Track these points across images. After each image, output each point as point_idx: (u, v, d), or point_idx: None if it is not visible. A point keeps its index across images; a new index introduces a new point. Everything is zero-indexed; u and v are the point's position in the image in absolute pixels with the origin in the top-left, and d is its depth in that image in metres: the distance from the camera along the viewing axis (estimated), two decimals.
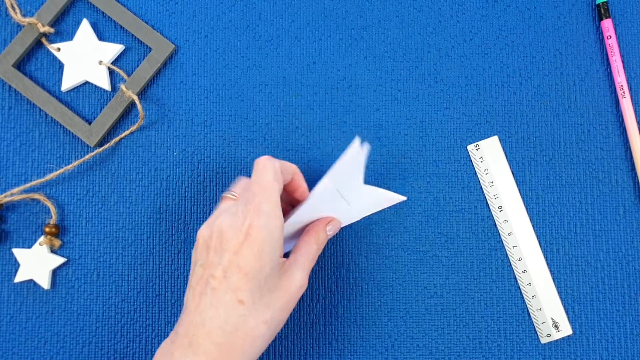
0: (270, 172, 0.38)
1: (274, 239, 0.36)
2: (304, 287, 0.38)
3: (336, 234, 0.47)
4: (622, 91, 0.48)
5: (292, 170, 0.41)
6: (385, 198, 0.46)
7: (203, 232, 0.38)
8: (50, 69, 0.49)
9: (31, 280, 0.47)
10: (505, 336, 0.47)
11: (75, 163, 0.47)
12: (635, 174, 0.48)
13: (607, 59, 0.49)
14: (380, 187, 0.46)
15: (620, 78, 0.48)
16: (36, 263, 0.47)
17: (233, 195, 0.40)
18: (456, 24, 0.49)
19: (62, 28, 0.49)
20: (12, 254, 0.47)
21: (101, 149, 0.47)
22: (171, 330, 0.47)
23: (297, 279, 0.38)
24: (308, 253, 0.40)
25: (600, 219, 0.48)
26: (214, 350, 0.35)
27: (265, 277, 0.36)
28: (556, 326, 0.47)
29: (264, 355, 0.47)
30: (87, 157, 0.47)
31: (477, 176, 0.48)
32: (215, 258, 0.36)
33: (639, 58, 0.49)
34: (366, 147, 0.40)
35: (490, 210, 0.48)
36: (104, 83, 0.48)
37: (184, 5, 0.49)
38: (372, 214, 0.47)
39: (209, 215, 0.47)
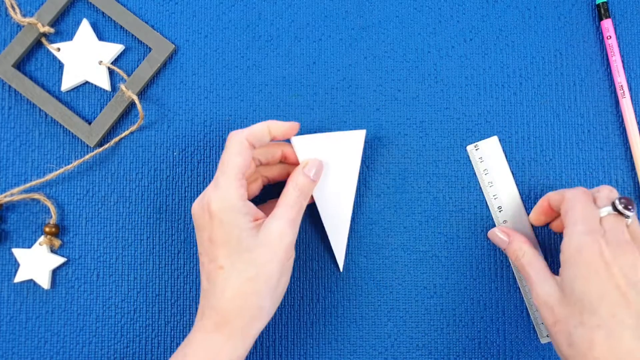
0: (232, 147, 0.40)
1: (234, 208, 0.38)
2: (286, 236, 0.39)
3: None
4: (622, 91, 0.48)
5: (264, 131, 0.41)
6: (343, 138, 0.45)
7: (193, 211, 0.41)
8: (50, 69, 0.49)
9: (31, 280, 0.47)
10: (505, 336, 0.47)
11: (75, 163, 0.47)
12: (635, 174, 0.48)
13: (607, 59, 0.49)
14: (380, 186, 0.46)
15: (620, 78, 0.48)
16: (36, 263, 0.47)
17: None
18: (456, 24, 0.49)
19: (62, 28, 0.49)
20: (12, 254, 0.47)
21: (101, 149, 0.47)
22: (170, 329, 0.47)
23: (274, 231, 0.38)
24: (287, 202, 0.40)
25: None
26: (214, 315, 0.38)
27: (237, 241, 0.38)
28: None
29: (264, 354, 0.47)
30: (87, 157, 0.47)
31: (476, 176, 0.48)
32: (198, 239, 0.40)
33: (639, 58, 0.49)
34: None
35: (490, 210, 0.48)
36: (104, 83, 0.48)
37: (184, 5, 0.49)
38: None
39: None
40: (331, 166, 0.44)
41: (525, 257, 0.41)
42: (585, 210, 0.38)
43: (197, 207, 0.40)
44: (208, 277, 0.39)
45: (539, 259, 0.41)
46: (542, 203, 0.44)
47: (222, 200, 0.38)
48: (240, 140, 0.40)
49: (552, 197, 0.43)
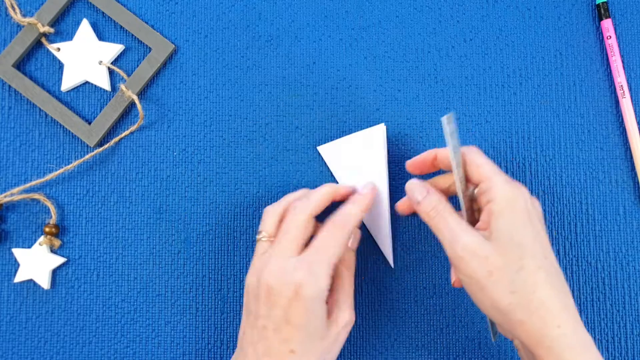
0: (328, 230, 0.40)
1: (321, 298, 0.39)
2: (351, 322, 0.41)
3: None
4: (622, 91, 0.48)
5: (327, 198, 0.43)
6: (365, 137, 0.46)
7: (250, 281, 0.40)
8: (50, 69, 0.49)
9: (31, 280, 0.47)
10: (504, 336, 0.47)
11: (75, 163, 0.47)
12: (635, 174, 0.48)
13: (607, 59, 0.49)
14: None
15: (620, 78, 0.48)
16: (36, 263, 0.47)
17: (269, 238, 0.41)
18: (456, 24, 0.49)
19: (62, 28, 0.49)
20: (12, 254, 0.47)
21: (101, 149, 0.47)
22: (171, 329, 0.47)
23: (340, 323, 0.40)
24: (343, 286, 0.42)
25: (600, 219, 0.48)
26: None
27: (314, 328, 0.38)
28: None
29: None
30: (87, 157, 0.47)
31: None
32: (265, 310, 0.39)
33: (639, 58, 0.49)
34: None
35: None
36: (104, 83, 0.48)
37: (184, 5, 0.49)
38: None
39: (209, 215, 0.47)
40: (361, 167, 0.46)
41: (446, 210, 0.39)
42: (494, 164, 0.40)
43: (270, 279, 0.39)
44: (269, 352, 0.38)
45: (456, 213, 0.40)
46: (428, 155, 0.43)
47: (315, 288, 0.38)
48: (339, 226, 0.41)
49: (440, 153, 0.42)
